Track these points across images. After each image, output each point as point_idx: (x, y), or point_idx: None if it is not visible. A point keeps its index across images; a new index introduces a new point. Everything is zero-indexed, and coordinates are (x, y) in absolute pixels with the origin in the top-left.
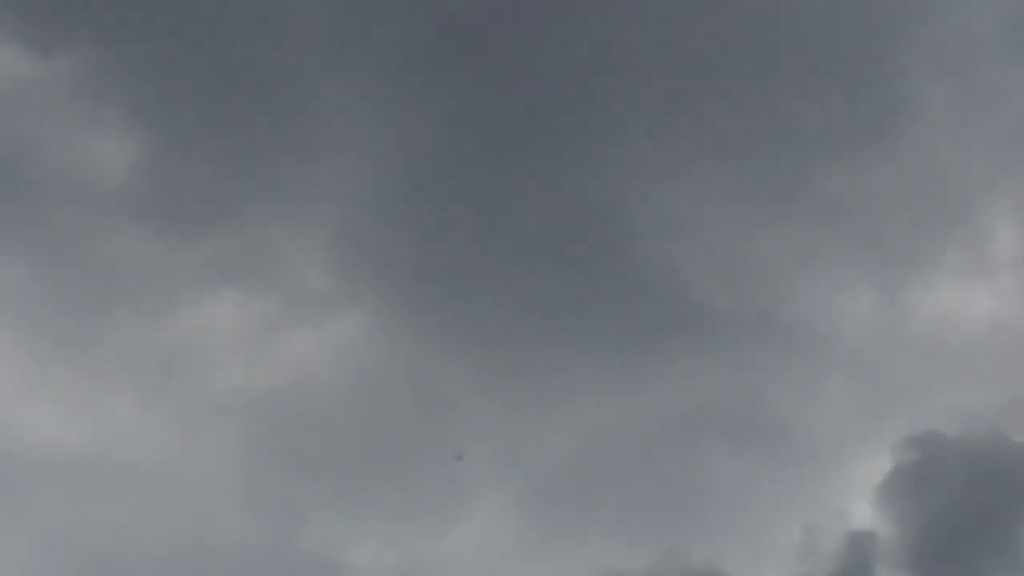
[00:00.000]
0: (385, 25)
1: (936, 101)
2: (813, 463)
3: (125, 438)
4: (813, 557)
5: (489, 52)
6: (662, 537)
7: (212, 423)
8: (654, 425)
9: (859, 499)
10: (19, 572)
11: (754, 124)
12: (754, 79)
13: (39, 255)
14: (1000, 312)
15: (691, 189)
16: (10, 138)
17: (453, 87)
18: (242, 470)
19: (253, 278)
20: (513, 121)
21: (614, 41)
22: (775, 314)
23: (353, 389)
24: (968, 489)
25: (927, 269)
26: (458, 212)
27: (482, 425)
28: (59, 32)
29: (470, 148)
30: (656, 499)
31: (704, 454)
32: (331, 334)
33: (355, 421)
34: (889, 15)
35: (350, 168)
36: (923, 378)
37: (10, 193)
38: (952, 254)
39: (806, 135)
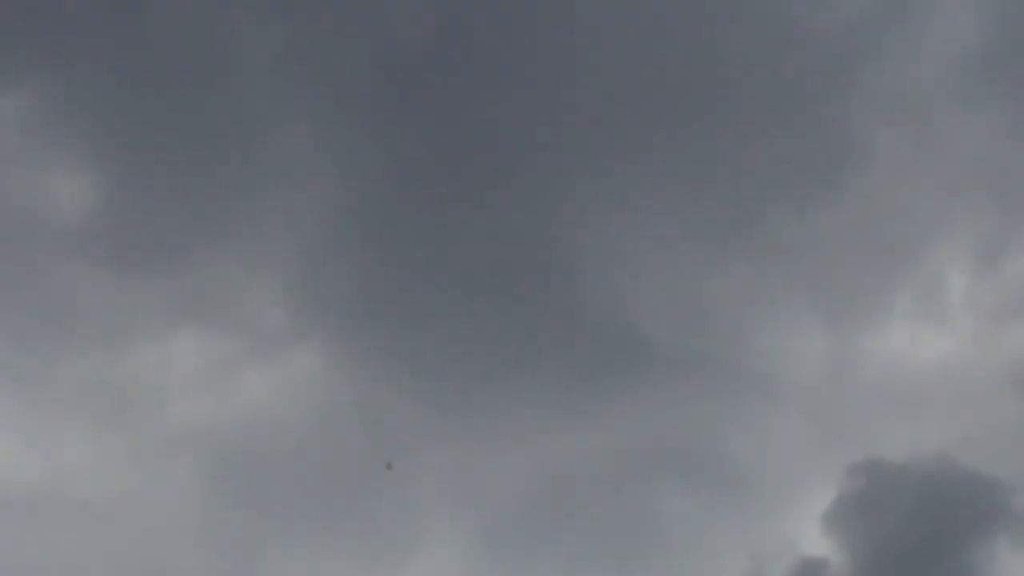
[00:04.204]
0: (334, 66)
1: (885, 144)
2: (764, 496)
3: (78, 474)
4: None
5: (437, 93)
6: (613, 573)
7: (166, 459)
8: (605, 463)
9: (809, 528)
10: None
11: (703, 166)
12: (703, 121)
13: None
14: (949, 353)
15: (640, 229)
16: None
17: (401, 127)
18: (197, 506)
19: (207, 316)
20: (462, 160)
21: (563, 81)
22: (725, 353)
23: (306, 425)
24: (916, 513)
25: (876, 310)
26: (408, 250)
27: (434, 462)
28: (11, 69)
29: (419, 187)
30: (607, 535)
31: (655, 490)
32: (284, 371)
33: (308, 457)
34: (839, 59)
35: (302, 208)
36: (872, 415)
37: None
38: (901, 296)
39: (755, 177)
